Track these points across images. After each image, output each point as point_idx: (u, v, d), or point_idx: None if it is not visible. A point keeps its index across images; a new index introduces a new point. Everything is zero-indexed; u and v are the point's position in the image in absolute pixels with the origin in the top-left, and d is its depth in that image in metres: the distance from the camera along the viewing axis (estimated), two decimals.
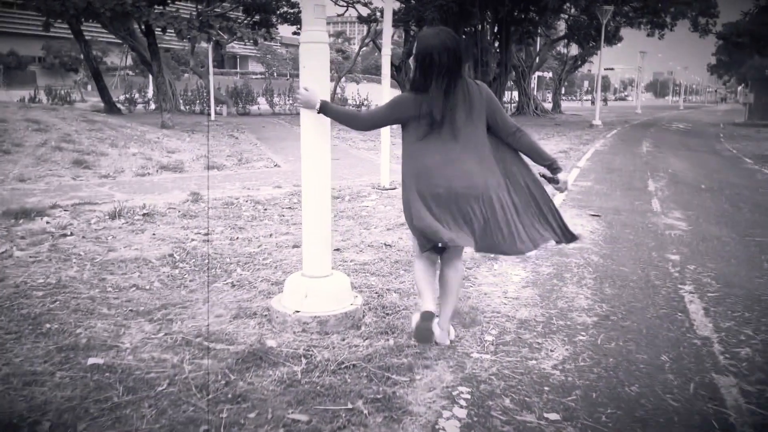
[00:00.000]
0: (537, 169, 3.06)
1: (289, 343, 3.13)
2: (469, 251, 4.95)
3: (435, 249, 2.96)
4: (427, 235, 2.86)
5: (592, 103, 37.41)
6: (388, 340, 3.19)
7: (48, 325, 3.27)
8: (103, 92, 25.40)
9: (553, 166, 3.03)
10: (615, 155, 13.65)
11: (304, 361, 2.92)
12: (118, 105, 26.92)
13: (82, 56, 29.61)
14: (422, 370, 2.88)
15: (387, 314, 3.56)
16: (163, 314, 3.52)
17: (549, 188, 3.10)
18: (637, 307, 3.84)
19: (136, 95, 30.55)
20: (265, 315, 3.50)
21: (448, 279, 3.12)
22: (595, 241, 5.56)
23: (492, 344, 3.21)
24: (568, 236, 3.10)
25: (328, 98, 3.19)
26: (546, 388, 2.76)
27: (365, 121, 3.11)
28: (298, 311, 3.30)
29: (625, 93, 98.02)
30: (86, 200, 6.80)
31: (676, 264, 4.88)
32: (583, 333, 3.40)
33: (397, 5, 30.22)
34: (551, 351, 3.15)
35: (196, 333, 3.23)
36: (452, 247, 2.98)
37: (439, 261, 3.17)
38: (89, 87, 41.65)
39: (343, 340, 3.19)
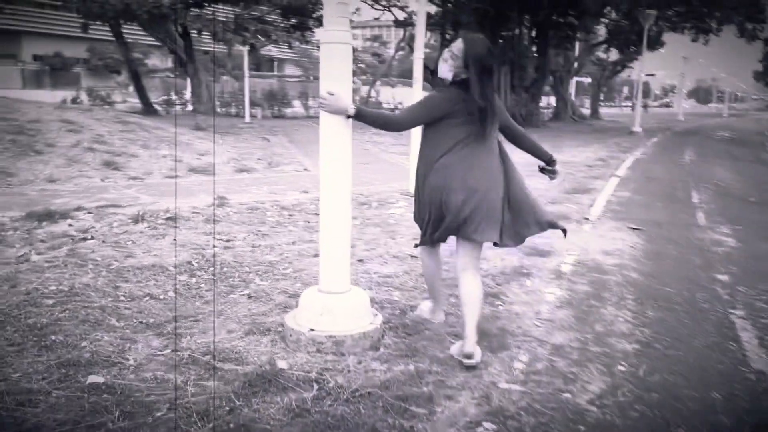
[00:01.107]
0: (538, 163, 3.38)
1: (301, 365, 2.91)
2: (499, 265, 4.69)
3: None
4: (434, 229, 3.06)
5: (632, 109, 36.45)
6: (408, 365, 2.95)
7: (53, 337, 3.13)
8: (142, 93, 25.76)
9: (551, 160, 3.36)
10: (656, 164, 13.14)
11: (315, 386, 2.70)
12: (156, 106, 27.28)
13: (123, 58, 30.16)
14: (444, 401, 2.63)
15: (408, 335, 3.32)
16: (173, 327, 3.34)
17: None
18: (684, 334, 3.51)
19: (174, 97, 30.95)
20: (279, 331, 3.30)
21: (467, 289, 3.07)
22: (636, 257, 5.22)
23: (522, 373, 2.94)
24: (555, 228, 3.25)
25: (350, 102, 2.99)
26: (581, 427, 2.48)
27: (402, 123, 3.11)
28: (313, 330, 3.08)
29: (668, 99, 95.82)
30: (111, 203, 6.72)
31: (726, 285, 4.52)
32: (623, 362, 3.10)
33: (433, 9, 29.98)
34: (587, 383, 2.86)
35: (204, 350, 3.04)
36: (464, 250, 3.08)
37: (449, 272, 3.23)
38: (131, 88, 42.62)
39: (360, 363, 2.96)
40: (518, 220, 3.09)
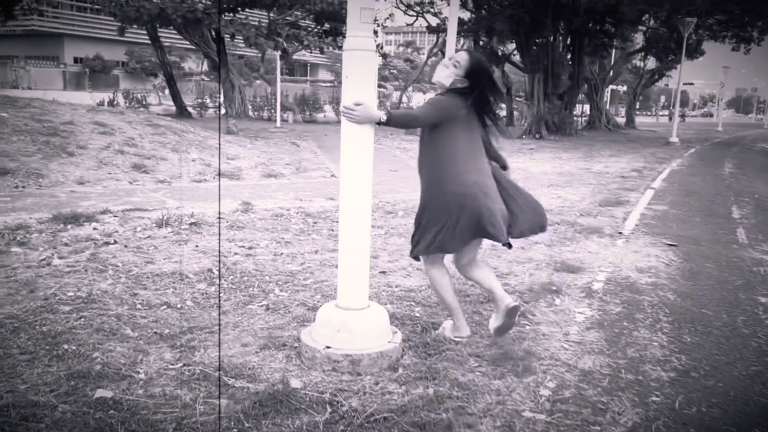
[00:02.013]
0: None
1: (315, 384, 2.79)
2: (527, 282, 4.51)
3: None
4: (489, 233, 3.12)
5: (670, 118, 35.67)
6: (427, 387, 2.81)
7: (65, 347, 3.07)
8: (175, 97, 26.13)
9: (505, 167, 3.48)
10: (694, 176, 12.74)
11: (329, 409, 2.58)
12: (189, 109, 27.63)
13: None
14: (464, 429, 2.48)
15: (429, 354, 3.18)
16: (187, 339, 3.26)
17: None
18: (723, 362, 3.30)
19: (207, 100, 31.37)
20: (295, 347, 3.19)
21: (482, 275, 3.34)
22: (672, 276, 4.98)
23: (548, 401, 2.77)
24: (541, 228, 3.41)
25: (376, 109, 2.91)
26: None
27: (421, 120, 3.14)
28: (329, 347, 2.97)
29: (707, 108, 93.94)
30: (137, 206, 6.73)
31: None
32: (657, 392, 2.91)
33: (467, 15, 29.79)
34: (618, 414, 2.68)
35: (217, 365, 2.95)
36: (472, 249, 3.30)
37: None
38: (167, 91, 43.48)
39: (377, 384, 2.83)
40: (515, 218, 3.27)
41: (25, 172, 7.98)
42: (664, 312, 4.07)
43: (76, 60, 61.19)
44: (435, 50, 34.94)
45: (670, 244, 6.07)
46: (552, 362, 3.18)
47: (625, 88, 51.12)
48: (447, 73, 3.11)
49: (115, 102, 27.09)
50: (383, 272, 4.65)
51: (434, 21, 32.30)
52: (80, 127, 10.22)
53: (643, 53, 37.96)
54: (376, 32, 33.29)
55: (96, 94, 32.32)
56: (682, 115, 58.42)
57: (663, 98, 75.18)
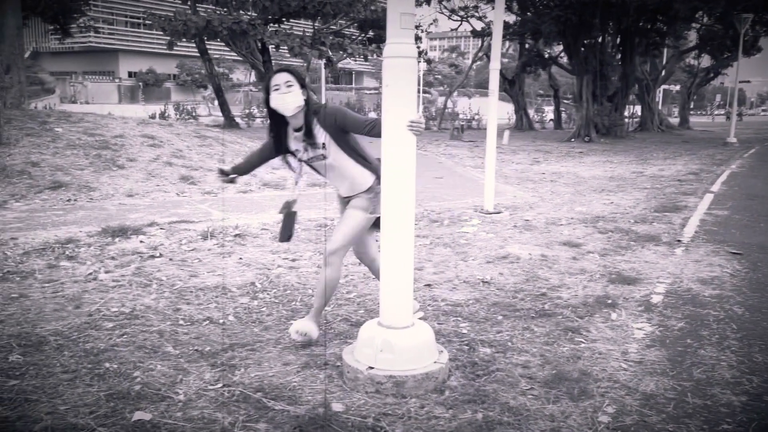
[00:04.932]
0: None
1: (358, 407, 2.67)
2: (581, 294, 4.29)
3: None
4: None
5: (727, 118, 34.25)
6: (476, 412, 2.64)
7: (107, 365, 3.03)
8: (223, 108, 26.60)
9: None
10: (756, 178, 12.12)
11: None
12: (237, 120, 28.09)
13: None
14: None
15: (477, 375, 3.01)
16: (228, 357, 3.19)
17: None
18: None
19: (255, 110, 31.86)
20: (338, 366, 3.08)
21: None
22: (738, 287, 4.66)
23: (608, 428, 2.56)
24: None
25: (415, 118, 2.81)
26: None
27: None
28: (372, 368, 2.84)
29: (765, 106, 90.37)
30: (183, 218, 6.77)
31: None
32: (728, 420, 2.67)
33: (512, 18, 29.40)
34: None
35: (257, 386, 2.85)
36: None
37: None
38: (216, 102, 44.46)
39: (422, 407, 2.68)
40: None
41: (77, 186, 8.17)
42: (731, 328, 3.79)
43: (130, 74, 63.36)
44: (480, 54, 34.61)
45: (735, 253, 5.71)
46: (610, 384, 2.97)
47: (678, 87, 49.55)
48: (296, 95, 3.16)
49: (167, 114, 27.80)
50: (428, 285, 4.50)
51: (479, 25, 32.05)
52: (130, 140, 10.44)
53: (696, 51, 36.69)
54: (419, 38, 33.05)
55: (149, 107, 33.34)
56: (740, 114, 56.19)
57: (718, 97, 72.56)
